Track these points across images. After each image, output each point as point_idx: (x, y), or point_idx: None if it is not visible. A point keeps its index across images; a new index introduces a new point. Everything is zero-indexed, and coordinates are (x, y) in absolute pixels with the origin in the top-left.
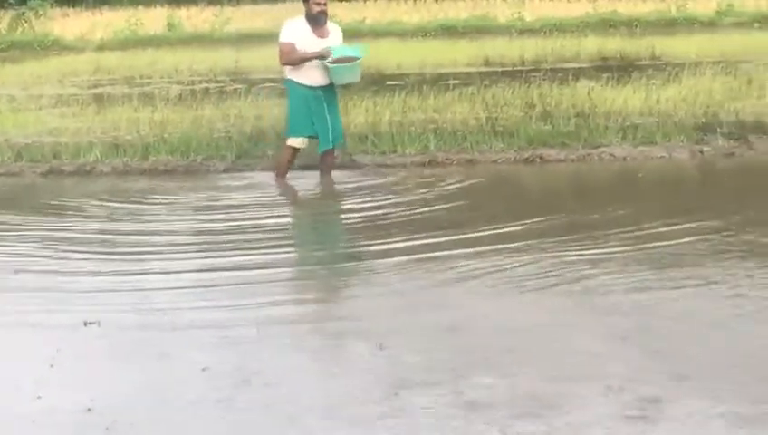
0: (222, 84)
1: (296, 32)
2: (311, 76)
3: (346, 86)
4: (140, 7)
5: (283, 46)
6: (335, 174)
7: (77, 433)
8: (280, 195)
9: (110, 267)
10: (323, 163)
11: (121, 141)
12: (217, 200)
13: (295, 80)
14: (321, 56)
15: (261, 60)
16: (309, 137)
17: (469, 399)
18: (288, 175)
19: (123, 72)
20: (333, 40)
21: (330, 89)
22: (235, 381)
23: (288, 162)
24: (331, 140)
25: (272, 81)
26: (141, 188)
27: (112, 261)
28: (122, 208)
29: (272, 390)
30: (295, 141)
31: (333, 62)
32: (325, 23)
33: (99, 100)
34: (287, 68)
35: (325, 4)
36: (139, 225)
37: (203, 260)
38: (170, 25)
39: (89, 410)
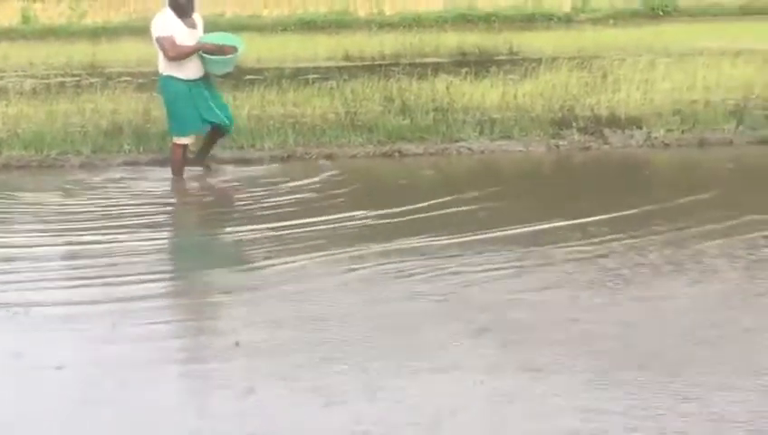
0: (78, 78)
1: (169, 24)
2: (190, 70)
3: (222, 76)
4: None
5: (164, 41)
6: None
7: None
8: (171, 192)
9: None
10: (208, 144)
11: None
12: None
13: (175, 75)
14: (204, 48)
15: (118, 54)
16: (197, 132)
17: (325, 393)
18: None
19: None
20: (200, 29)
21: (207, 78)
22: (91, 380)
23: (182, 160)
24: (229, 124)
25: (129, 75)
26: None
27: None
28: None
29: (127, 389)
30: (183, 139)
31: (211, 52)
32: (192, 12)
33: None
34: (165, 63)
35: None
36: None
37: (62, 258)
38: (25, 18)
39: None
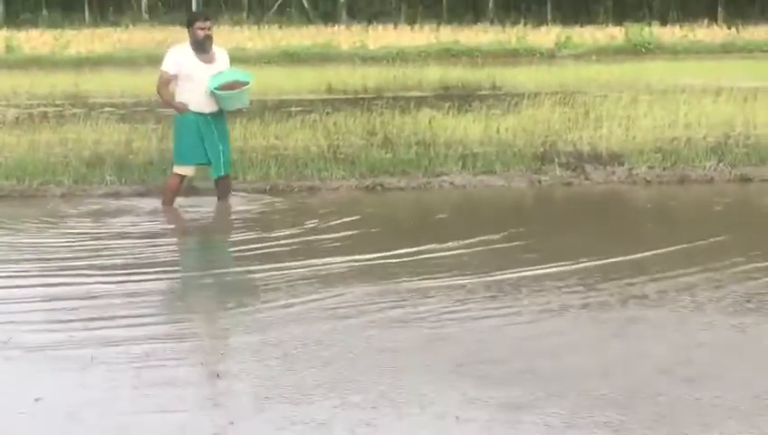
0: (61, 108)
1: (181, 59)
2: (200, 103)
3: (235, 112)
4: None
5: (162, 74)
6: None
7: None
8: (166, 224)
9: None
10: (220, 189)
11: None
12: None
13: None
14: (177, 108)
15: (101, 84)
16: (198, 164)
17: (307, 428)
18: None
19: None
20: (220, 64)
21: (219, 115)
22: (67, 413)
23: (175, 190)
24: (222, 166)
25: (112, 105)
26: None
27: None
28: None
29: (104, 422)
30: (184, 169)
31: (222, 88)
32: (210, 47)
33: None
34: (177, 93)
35: (210, 29)
36: None
37: (41, 290)
38: (9, 48)
39: None
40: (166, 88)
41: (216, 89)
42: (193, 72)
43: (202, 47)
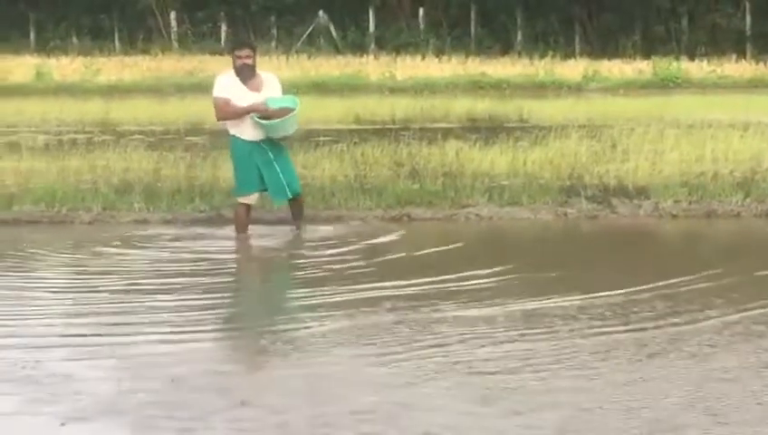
0: (90, 135)
1: (227, 86)
2: (249, 131)
3: (282, 139)
4: (9, 56)
5: (216, 101)
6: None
7: None
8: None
9: None
10: (293, 210)
11: None
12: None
13: (238, 135)
14: (255, 110)
15: (130, 112)
16: (259, 192)
17: None
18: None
19: None
20: (269, 91)
21: (272, 141)
22: None
23: (244, 219)
24: (287, 190)
25: (141, 133)
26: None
27: None
28: None
29: None
30: (245, 199)
31: (265, 116)
32: (252, 75)
33: None
34: (228, 123)
35: (248, 57)
36: None
37: (67, 317)
38: (39, 75)
39: None
40: (227, 107)
41: (258, 117)
42: (240, 101)
43: (241, 75)
